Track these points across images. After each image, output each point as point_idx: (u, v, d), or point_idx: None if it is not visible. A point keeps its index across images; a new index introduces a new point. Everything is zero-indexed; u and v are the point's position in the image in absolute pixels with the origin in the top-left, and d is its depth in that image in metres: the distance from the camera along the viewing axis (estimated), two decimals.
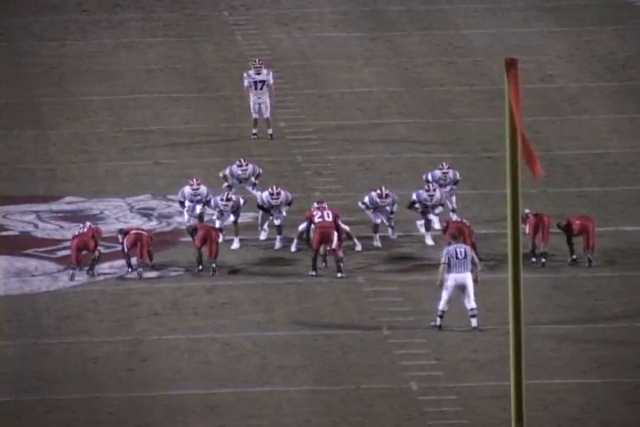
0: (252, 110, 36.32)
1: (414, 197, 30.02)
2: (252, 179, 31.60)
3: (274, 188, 30.04)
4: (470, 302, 24.90)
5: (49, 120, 39.29)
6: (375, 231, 30.29)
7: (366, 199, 30.52)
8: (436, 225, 30.27)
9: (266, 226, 30.57)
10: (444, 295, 24.90)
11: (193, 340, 24.81)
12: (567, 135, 37.30)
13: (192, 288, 27.40)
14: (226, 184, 31.24)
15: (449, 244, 26.51)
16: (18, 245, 30.43)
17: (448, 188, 30.98)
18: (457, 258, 25.32)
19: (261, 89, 36.29)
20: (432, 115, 39.35)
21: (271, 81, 36.97)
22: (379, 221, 30.21)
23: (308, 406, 21.89)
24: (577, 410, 21.61)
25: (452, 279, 25.09)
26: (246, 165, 31.03)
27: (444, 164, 30.88)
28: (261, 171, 31.95)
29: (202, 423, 21.32)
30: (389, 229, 30.76)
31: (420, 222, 30.52)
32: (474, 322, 24.89)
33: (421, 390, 21.95)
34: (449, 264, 25.31)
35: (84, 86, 42.80)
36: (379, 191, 29.92)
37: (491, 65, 42.68)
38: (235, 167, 30.99)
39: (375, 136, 37.55)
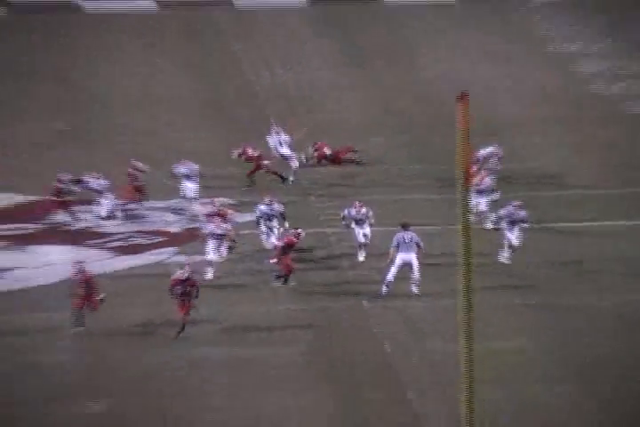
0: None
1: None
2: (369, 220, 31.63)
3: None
4: (414, 275, 27.75)
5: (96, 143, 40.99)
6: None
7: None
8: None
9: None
10: (393, 270, 27.69)
11: None
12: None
13: None
14: (343, 223, 31.62)
15: (403, 229, 28.91)
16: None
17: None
18: (405, 242, 27.85)
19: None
20: (408, 139, 40.61)
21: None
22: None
23: None
24: None
25: (399, 258, 27.68)
26: (360, 206, 31.26)
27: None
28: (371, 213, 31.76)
29: None
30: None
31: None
32: (415, 289, 27.88)
33: None
34: (398, 246, 28.00)
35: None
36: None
37: (451, 97, 45.00)
38: (352, 210, 31.15)
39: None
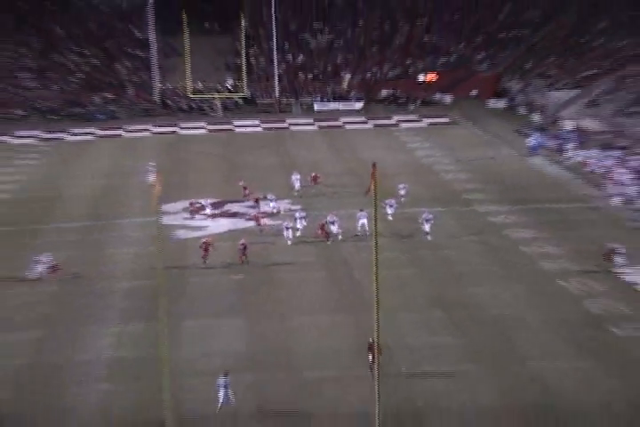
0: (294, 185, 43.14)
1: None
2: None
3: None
4: (366, 229, 34.47)
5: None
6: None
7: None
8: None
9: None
10: (358, 226, 34.78)
11: None
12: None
13: None
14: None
15: (361, 211, 34.30)
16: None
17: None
18: (362, 216, 34.47)
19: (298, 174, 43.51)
20: (357, 180, 43.23)
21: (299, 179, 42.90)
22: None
23: None
24: None
25: (360, 222, 34.75)
26: (333, 215, 34.66)
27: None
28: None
29: None
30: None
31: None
32: (367, 232, 33.61)
33: None
34: (359, 218, 34.56)
35: None
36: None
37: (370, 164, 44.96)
38: (329, 217, 34.71)
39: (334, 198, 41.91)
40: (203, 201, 40.42)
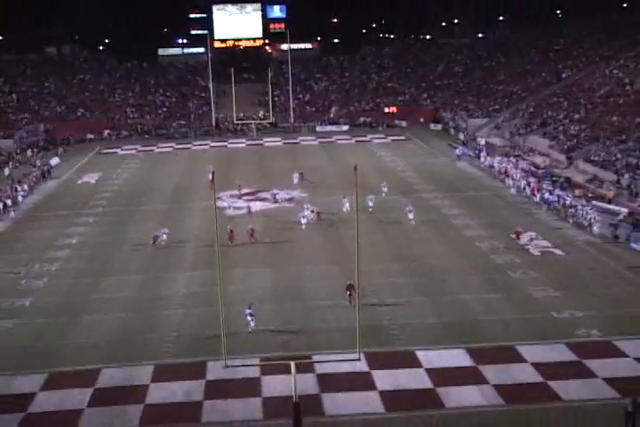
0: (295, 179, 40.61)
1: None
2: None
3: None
4: (348, 208, 32.30)
5: None
6: None
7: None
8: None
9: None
10: (344, 208, 32.66)
11: None
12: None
13: None
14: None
15: (344, 197, 32.28)
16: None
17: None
18: (346, 201, 32.63)
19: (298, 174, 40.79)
20: (340, 179, 40.84)
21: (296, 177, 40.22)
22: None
23: None
24: None
25: (344, 205, 32.63)
26: (316, 209, 32.20)
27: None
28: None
29: None
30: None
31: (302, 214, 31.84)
32: (350, 212, 31.36)
33: None
34: (344, 202, 32.70)
35: None
36: None
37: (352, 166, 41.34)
38: (312, 207, 32.39)
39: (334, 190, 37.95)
40: (232, 190, 37.56)
